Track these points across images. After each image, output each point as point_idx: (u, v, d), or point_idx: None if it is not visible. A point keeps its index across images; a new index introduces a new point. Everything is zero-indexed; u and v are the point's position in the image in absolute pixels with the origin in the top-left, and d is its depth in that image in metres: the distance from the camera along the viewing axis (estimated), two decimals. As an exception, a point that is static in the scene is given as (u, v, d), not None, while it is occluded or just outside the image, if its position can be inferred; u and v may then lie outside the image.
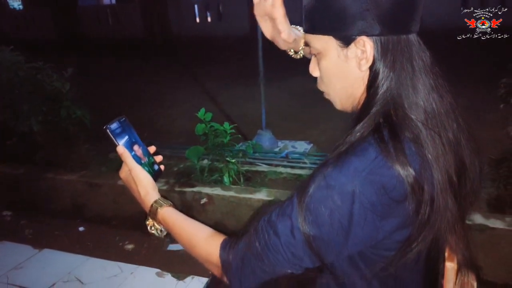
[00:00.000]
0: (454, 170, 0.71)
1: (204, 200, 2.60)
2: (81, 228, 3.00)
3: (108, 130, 0.93)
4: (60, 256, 2.54)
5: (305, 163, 3.29)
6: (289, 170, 3.14)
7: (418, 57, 0.73)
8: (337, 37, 0.74)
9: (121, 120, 0.97)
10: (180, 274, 2.32)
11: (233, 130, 2.66)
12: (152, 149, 1.03)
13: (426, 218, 0.66)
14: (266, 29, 0.95)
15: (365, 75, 0.75)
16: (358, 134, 0.70)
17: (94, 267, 2.43)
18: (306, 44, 0.82)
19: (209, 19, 12.95)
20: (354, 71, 0.75)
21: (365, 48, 0.72)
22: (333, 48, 0.75)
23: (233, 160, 2.73)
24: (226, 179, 2.74)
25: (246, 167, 3.14)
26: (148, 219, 0.97)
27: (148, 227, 0.97)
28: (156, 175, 1.00)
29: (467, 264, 0.76)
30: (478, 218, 2.01)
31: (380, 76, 0.72)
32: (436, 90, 0.74)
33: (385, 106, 0.71)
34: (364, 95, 0.76)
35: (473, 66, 6.20)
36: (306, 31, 0.79)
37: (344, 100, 0.81)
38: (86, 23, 14.10)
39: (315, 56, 0.81)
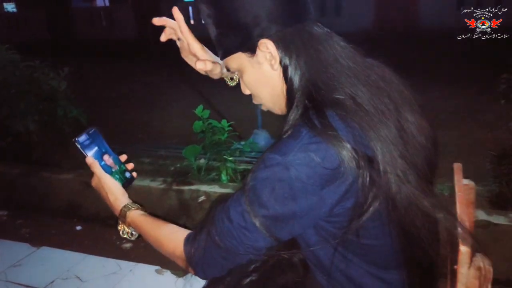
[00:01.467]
0: (392, 128, 0.74)
1: (202, 198, 2.60)
2: (78, 227, 2.98)
3: (76, 143, 0.98)
4: (58, 253, 2.53)
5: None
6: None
7: (319, 39, 0.79)
8: (243, 50, 0.81)
9: (90, 132, 1.02)
10: (179, 271, 2.32)
11: (230, 128, 2.67)
12: (123, 157, 1.08)
13: (368, 179, 0.70)
14: (199, 67, 1.00)
15: (280, 72, 0.80)
16: (290, 121, 0.76)
17: (93, 264, 2.42)
18: (228, 69, 0.89)
19: (203, 21, 12.90)
20: (270, 74, 0.81)
21: (269, 49, 0.78)
22: (246, 61, 0.82)
23: (231, 158, 2.74)
24: (224, 177, 2.75)
25: (243, 166, 3.15)
26: (119, 224, 1.02)
27: (120, 232, 1.02)
28: (128, 182, 1.06)
29: (481, 249, 0.77)
30: (481, 214, 2.02)
31: (290, 68, 0.78)
32: (356, 63, 0.79)
33: (305, 90, 0.76)
34: None
35: (469, 66, 6.28)
36: (221, 57, 0.86)
37: (277, 104, 0.86)
38: (79, 24, 14.06)
39: (239, 76, 0.87)
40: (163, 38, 1.02)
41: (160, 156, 3.82)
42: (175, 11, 0.96)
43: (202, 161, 2.96)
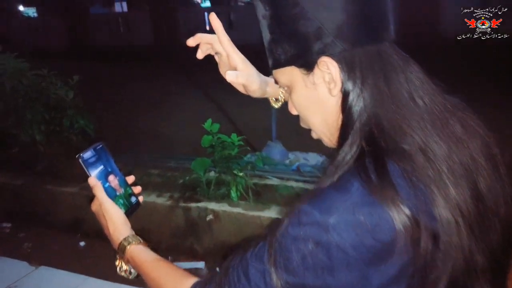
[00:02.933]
0: (467, 198, 0.59)
1: (210, 217, 2.46)
2: (81, 243, 2.88)
3: (80, 160, 0.85)
4: (57, 274, 2.42)
5: (318, 176, 3.13)
6: (301, 184, 2.99)
7: (395, 67, 0.63)
8: (298, 65, 0.66)
9: (97, 148, 0.89)
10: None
11: (241, 142, 2.52)
12: (130, 179, 0.95)
13: (429, 262, 0.55)
14: (239, 87, 0.88)
15: (339, 100, 0.65)
16: (339, 163, 0.60)
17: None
18: (277, 82, 0.74)
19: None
20: (326, 99, 0.66)
21: (330, 70, 0.63)
22: (299, 78, 0.67)
23: (241, 174, 2.59)
24: (233, 194, 2.59)
25: (255, 180, 3.00)
26: (117, 259, 0.89)
27: (117, 268, 0.89)
28: (133, 208, 0.93)
29: None
30: None
31: (351, 97, 0.62)
32: (435, 104, 0.63)
33: (365, 128, 0.61)
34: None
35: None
36: (271, 68, 0.72)
37: (328, 134, 0.71)
38: (97, 30, 14.19)
39: (288, 93, 0.73)
40: (200, 55, 0.88)
41: (169, 167, 3.69)
42: (213, 18, 0.82)
43: (212, 174, 2.82)
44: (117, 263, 0.88)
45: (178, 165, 3.67)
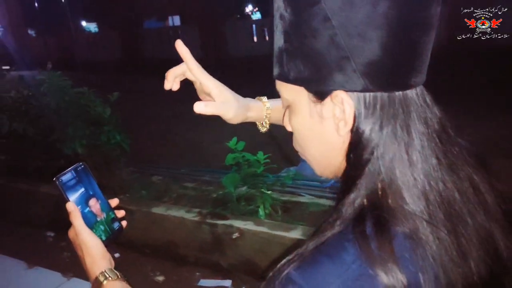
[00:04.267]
0: (479, 273, 0.53)
1: (235, 235, 2.44)
2: (116, 255, 2.96)
3: (57, 182, 0.80)
4: (87, 286, 2.50)
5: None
6: (332, 202, 2.91)
7: (419, 120, 0.53)
8: (309, 89, 0.56)
9: (78, 169, 0.84)
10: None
11: (267, 160, 2.49)
12: (114, 202, 0.89)
13: None
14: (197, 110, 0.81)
15: (346, 139, 0.55)
16: (336, 221, 0.52)
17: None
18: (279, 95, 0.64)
19: (267, 38, 13.04)
20: (332, 136, 0.56)
21: (343, 107, 0.53)
22: (305, 103, 0.57)
23: (269, 192, 2.56)
24: (261, 211, 2.57)
25: (286, 197, 2.96)
26: None
27: None
28: (114, 235, 0.86)
29: None
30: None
31: (364, 143, 0.52)
32: (446, 165, 0.54)
33: (370, 184, 0.52)
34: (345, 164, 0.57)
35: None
36: (275, 76, 0.61)
37: (322, 168, 0.63)
38: (149, 44, 14.79)
39: (288, 109, 0.63)
40: (167, 86, 0.84)
41: (204, 181, 3.74)
42: (179, 45, 0.80)
43: (244, 189, 2.82)
44: None
45: (212, 179, 3.71)
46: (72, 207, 0.81)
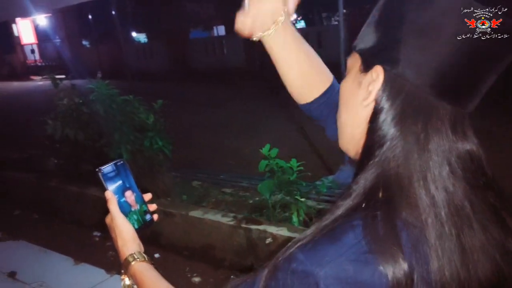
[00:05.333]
0: (478, 280, 0.55)
1: (269, 240, 2.50)
2: (156, 255, 3.09)
3: (99, 173, 0.89)
4: (129, 283, 2.64)
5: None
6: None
7: (441, 132, 0.57)
8: (362, 57, 0.63)
9: (118, 164, 0.93)
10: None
11: (301, 168, 2.53)
12: (147, 196, 0.97)
13: None
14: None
15: (368, 113, 0.60)
16: (344, 204, 0.56)
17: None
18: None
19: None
20: (359, 105, 0.62)
21: (375, 80, 0.59)
22: (355, 70, 0.64)
23: (303, 200, 2.60)
24: (295, 218, 2.61)
25: (322, 205, 2.98)
26: (122, 273, 0.91)
27: (122, 283, 0.92)
28: (146, 225, 0.95)
29: None
30: None
31: (381, 118, 0.57)
32: (463, 179, 0.57)
33: (379, 168, 0.56)
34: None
35: None
36: (352, 47, 0.68)
37: (346, 140, 0.67)
38: (195, 54, 15.21)
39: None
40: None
41: (242, 187, 3.83)
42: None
43: (279, 196, 2.87)
44: (122, 277, 0.91)
45: (250, 185, 3.79)
46: (110, 195, 0.90)
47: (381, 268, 0.51)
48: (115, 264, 2.89)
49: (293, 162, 2.51)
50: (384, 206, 0.54)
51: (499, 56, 0.57)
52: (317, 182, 3.20)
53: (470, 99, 0.58)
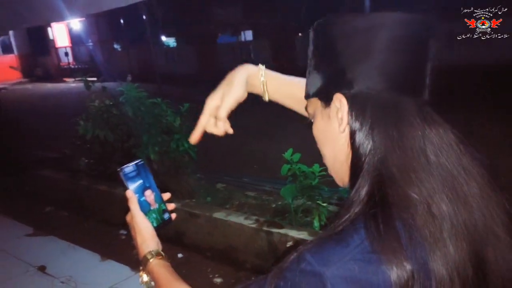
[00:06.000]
0: (466, 261, 0.58)
1: (290, 244, 2.52)
2: (179, 255, 3.16)
3: (121, 173, 0.93)
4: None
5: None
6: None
7: (412, 123, 0.63)
8: (319, 97, 0.70)
9: (138, 164, 0.97)
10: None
11: (323, 173, 2.54)
12: (166, 195, 1.01)
13: None
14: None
15: (347, 137, 0.66)
16: (348, 208, 0.60)
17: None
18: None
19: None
20: (337, 134, 0.68)
21: (340, 106, 0.65)
22: (319, 110, 0.71)
23: (325, 204, 2.61)
24: (316, 223, 2.62)
25: (344, 211, 2.98)
26: (141, 270, 0.95)
27: (140, 279, 0.96)
28: (164, 224, 0.99)
29: None
30: None
31: (358, 137, 0.64)
32: (451, 165, 0.62)
33: (373, 171, 0.61)
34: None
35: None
36: (305, 97, 0.76)
37: (339, 172, 0.71)
38: (222, 58, 15.37)
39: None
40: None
41: (265, 191, 3.86)
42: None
43: (301, 201, 2.88)
44: (140, 273, 0.96)
45: (273, 189, 3.82)
46: (131, 194, 0.94)
47: (384, 266, 0.54)
48: (139, 263, 2.97)
49: (316, 167, 2.53)
50: (381, 207, 0.57)
51: (423, 42, 0.65)
52: (339, 188, 3.20)
53: (422, 85, 0.65)
